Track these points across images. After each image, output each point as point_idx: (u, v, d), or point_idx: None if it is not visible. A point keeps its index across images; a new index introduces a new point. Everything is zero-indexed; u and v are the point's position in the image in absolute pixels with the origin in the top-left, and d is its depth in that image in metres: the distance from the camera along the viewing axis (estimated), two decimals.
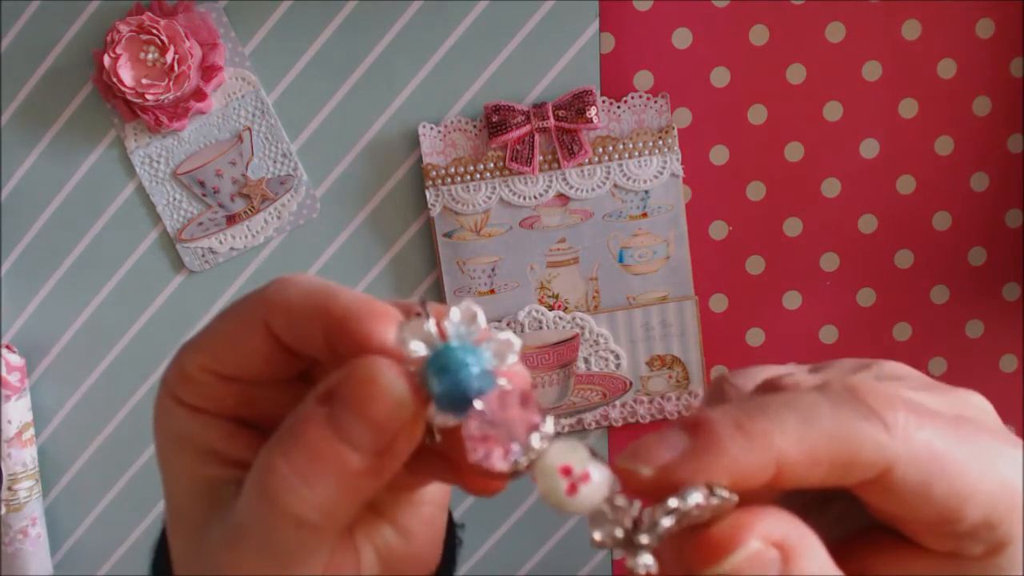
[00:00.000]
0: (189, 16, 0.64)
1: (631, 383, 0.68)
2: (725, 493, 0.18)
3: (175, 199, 0.67)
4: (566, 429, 0.69)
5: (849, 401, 0.19)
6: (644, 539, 0.18)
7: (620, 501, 0.19)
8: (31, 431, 0.69)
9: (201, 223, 0.68)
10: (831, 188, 0.67)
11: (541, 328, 0.67)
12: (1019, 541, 0.20)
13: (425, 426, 0.20)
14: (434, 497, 0.25)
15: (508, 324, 0.67)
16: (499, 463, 0.19)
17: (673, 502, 0.18)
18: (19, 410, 0.67)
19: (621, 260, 0.67)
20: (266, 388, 0.22)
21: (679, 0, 0.65)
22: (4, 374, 0.66)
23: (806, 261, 0.68)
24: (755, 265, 0.69)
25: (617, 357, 0.68)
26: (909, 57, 0.65)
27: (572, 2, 0.65)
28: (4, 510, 0.67)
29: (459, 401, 0.19)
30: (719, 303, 0.69)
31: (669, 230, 0.67)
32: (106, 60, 0.62)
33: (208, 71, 0.64)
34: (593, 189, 0.66)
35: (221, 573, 0.20)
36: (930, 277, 0.68)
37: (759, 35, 0.65)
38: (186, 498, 0.22)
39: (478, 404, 0.19)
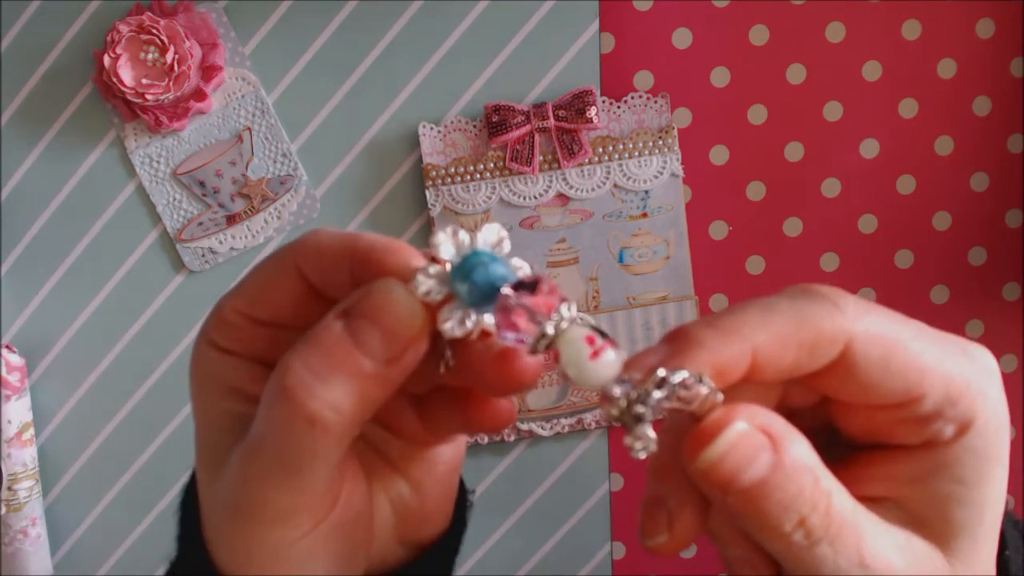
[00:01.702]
0: (189, 16, 0.64)
1: None
2: (711, 383, 0.20)
3: (175, 199, 0.67)
4: (566, 429, 0.69)
5: (803, 292, 0.22)
6: (639, 409, 0.20)
7: (625, 379, 0.20)
8: (31, 431, 0.69)
9: (201, 223, 0.68)
10: (831, 188, 0.67)
11: None
12: (983, 418, 0.22)
13: (437, 354, 0.22)
14: (447, 457, 0.27)
15: None
16: (528, 340, 0.20)
17: (662, 371, 0.20)
18: (19, 410, 0.67)
19: (621, 260, 0.67)
20: (294, 333, 0.23)
21: (679, 0, 0.65)
22: (4, 374, 0.66)
23: (806, 261, 0.68)
24: (755, 265, 0.69)
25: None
26: (909, 57, 0.65)
27: (572, 2, 0.65)
28: (4, 510, 0.67)
29: (488, 288, 0.21)
30: (719, 303, 0.69)
31: (669, 230, 0.67)
32: (106, 60, 0.62)
33: (208, 71, 0.64)
34: (593, 189, 0.66)
35: (239, 487, 0.22)
36: (930, 277, 0.68)
37: (759, 35, 0.65)
38: (214, 433, 0.24)
39: (506, 289, 0.20)
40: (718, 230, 0.68)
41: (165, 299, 0.69)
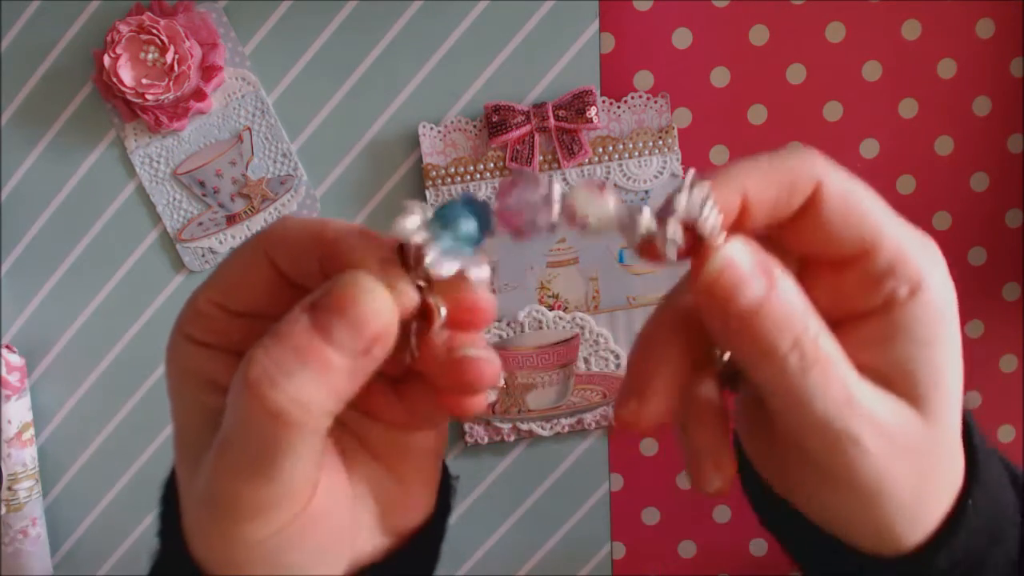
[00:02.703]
0: (189, 16, 0.64)
1: None
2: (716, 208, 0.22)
3: (175, 199, 0.67)
4: (566, 429, 0.69)
5: (777, 152, 0.24)
6: (680, 202, 0.22)
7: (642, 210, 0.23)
8: (31, 431, 0.69)
9: (201, 223, 0.68)
10: None
11: (541, 328, 0.67)
12: (932, 280, 0.24)
13: (405, 347, 0.22)
14: (428, 443, 0.27)
15: (508, 324, 0.67)
16: (542, 221, 0.22)
17: (692, 174, 0.23)
18: (19, 410, 0.67)
19: (621, 260, 0.67)
20: (270, 323, 0.22)
21: (679, 0, 0.65)
22: (4, 374, 0.66)
23: None
24: None
25: (617, 357, 0.68)
26: (909, 57, 0.65)
27: (572, 2, 0.65)
28: (4, 510, 0.67)
29: (483, 210, 0.22)
30: None
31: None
32: (106, 60, 0.62)
33: (208, 71, 0.64)
34: None
35: (212, 481, 0.22)
36: None
37: (759, 35, 0.65)
38: (192, 427, 0.24)
39: (497, 204, 0.22)
40: None
41: (165, 299, 0.69)
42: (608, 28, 0.65)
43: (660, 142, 0.65)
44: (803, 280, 0.24)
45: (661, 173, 0.66)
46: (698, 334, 0.25)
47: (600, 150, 0.65)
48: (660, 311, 0.26)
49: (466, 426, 0.69)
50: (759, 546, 0.73)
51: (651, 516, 0.73)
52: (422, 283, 0.22)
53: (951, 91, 0.66)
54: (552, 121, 0.64)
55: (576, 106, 0.64)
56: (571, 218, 0.22)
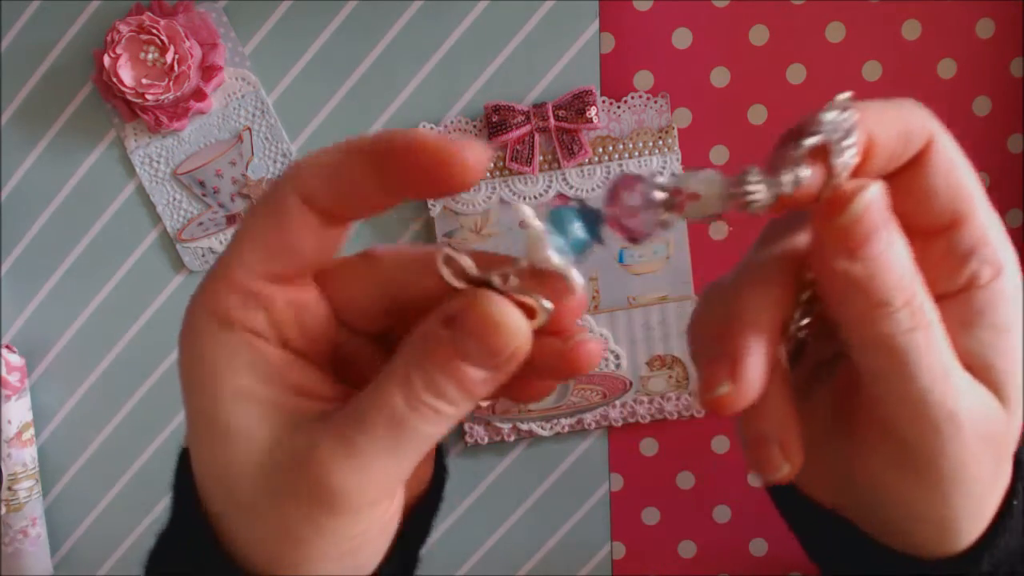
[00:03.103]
0: (189, 16, 0.64)
1: (631, 383, 0.68)
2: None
3: (175, 199, 0.67)
4: (566, 429, 0.69)
5: (896, 100, 0.23)
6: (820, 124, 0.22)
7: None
8: (31, 431, 0.69)
9: (201, 223, 0.68)
10: None
11: None
12: (1011, 265, 0.24)
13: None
14: None
15: None
16: (651, 222, 0.22)
17: (842, 97, 0.22)
18: (19, 410, 0.67)
19: (621, 260, 0.67)
20: (309, 286, 0.23)
21: (679, 0, 0.65)
22: (4, 374, 0.66)
23: None
24: None
25: (617, 357, 0.68)
26: (909, 57, 0.65)
27: (572, 2, 0.65)
28: (4, 510, 0.67)
29: (595, 219, 0.23)
30: None
31: (669, 230, 0.67)
32: (106, 60, 0.62)
33: (208, 71, 0.64)
34: (593, 189, 0.66)
35: (327, 474, 0.21)
36: None
37: (759, 35, 0.65)
38: (227, 412, 0.22)
39: (607, 211, 0.23)
40: (718, 230, 0.68)
41: (165, 299, 0.69)
42: (608, 28, 0.65)
43: (660, 142, 0.65)
44: None
45: (661, 173, 0.65)
46: (789, 295, 0.24)
47: (600, 150, 0.65)
48: (745, 272, 0.24)
49: (466, 426, 0.69)
50: (759, 546, 0.73)
51: (651, 516, 0.73)
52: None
53: (951, 91, 0.66)
54: (552, 121, 0.64)
55: (576, 106, 0.64)
56: (680, 206, 0.22)
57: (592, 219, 0.23)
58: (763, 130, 0.66)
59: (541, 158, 0.65)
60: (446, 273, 0.22)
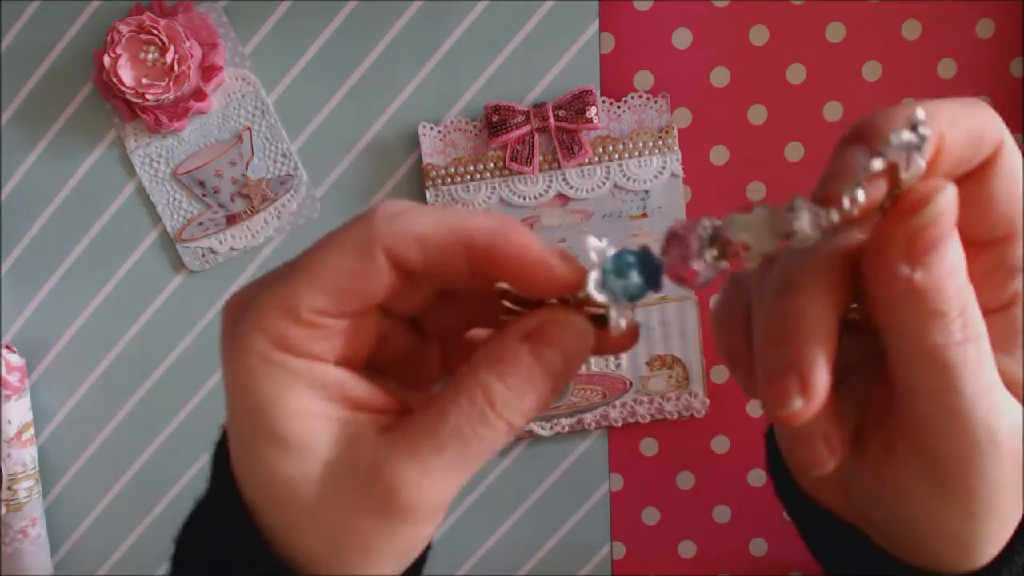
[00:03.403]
0: (189, 16, 0.64)
1: (631, 383, 0.68)
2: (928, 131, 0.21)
3: (175, 199, 0.67)
4: (566, 429, 0.69)
5: (966, 100, 0.22)
6: (896, 139, 0.20)
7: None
8: (31, 431, 0.69)
9: (201, 223, 0.68)
10: None
11: None
12: None
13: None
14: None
15: None
16: (700, 273, 0.23)
17: (920, 114, 0.21)
18: (19, 410, 0.67)
19: None
20: (373, 318, 0.24)
21: (679, 0, 0.65)
22: (4, 374, 0.66)
23: None
24: None
25: (617, 357, 0.68)
26: (909, 57, 0.65)
27: (572, 2, 0.65)
28: (4, 510, 0.67)
29: (654, 270, 0.24)
30: None
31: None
32: (106, 60, 0.62)
33: (208, 71, 0.64)
34: (593, 189, 0.66)
35: (405, 484, 0.23)
36: None
37: (759, 35, 0.65)
38: (307, 432, 0.23)
39: (664, 260, 0.23)
40: None
41: (165, 299, 0.69)
42: (608, 28, 0.65)
43: (660, 142, 0.65)
44: None
45: (661, 173, 0.66)
46: (847, 299, 0.23)
47: (600, 150, 0.65)
48: (799, 274, 0.23)
49: None
50: (759, 546, 0.73)
51: (651, 516, 0.73)
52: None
53: (951, 91, 0.66)
54: (552, 121, 0.64)
55: (576, 106, 0.64)
56: (733, 254, 0.22)
57: (652, 268, 0.23)
58: (763, 130, 0.66)
59: (541, 158, 0.65)
60: (507, 303, 0.24)
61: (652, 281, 0.24)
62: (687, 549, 0.73)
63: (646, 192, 0.66)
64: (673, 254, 0.23)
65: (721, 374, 0.69)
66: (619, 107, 0.65)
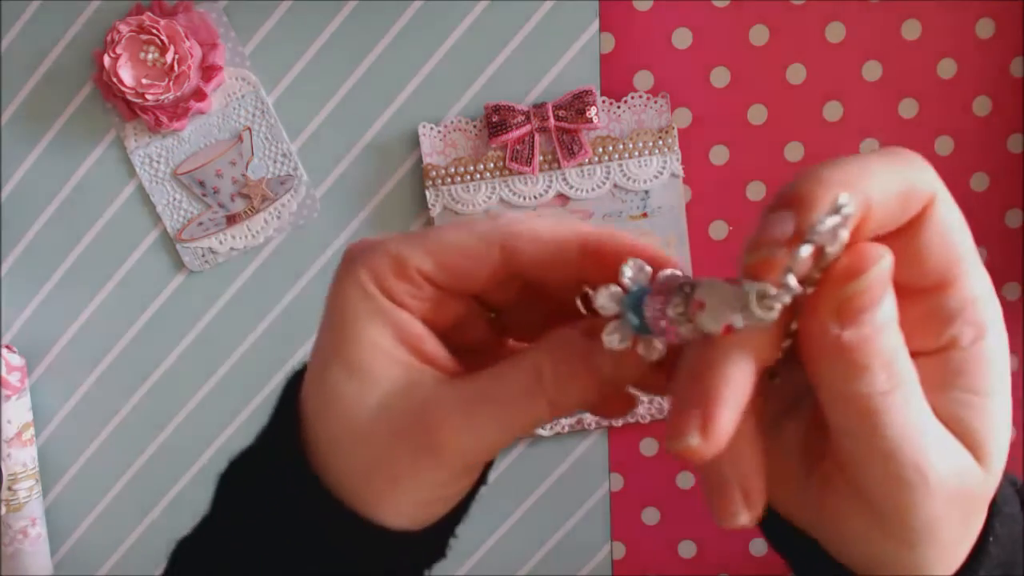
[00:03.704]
0: (189, 16, 0.64)
1: None
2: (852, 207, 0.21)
3: (175, 199, 0.67)
4: (566, 429, 0.69)
5: (891, 152, 0.23)
6: (815, 236, 0.20)
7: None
8: (31, 431, 0.69)
9: (201, 223, 0.68)
10: None
11: None
12: (995, 330, 0.23)
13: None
14: None
15: None
16: (669, 334, 0.23)
17: (844, 198, 0.20)
18: (19, 410, 0.67)
19: None
20: (465, 301, 0.27)
21: (679, 0, 0.65)
22: (4, 374, 0.66)
23: None
24: None
25: None
26: (909, 57, 0.65)
27: (572, 2, 0.65)
28: (4, 510, 0.67)
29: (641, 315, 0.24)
30: None
31: (669, 230, 0.67)
32: (106, 60, 0.62)
33: (208, 71, 0.64)
34: (593, 189, 0.66)
35: (445, 430, 0.25)
36: None
37: (759, 35, 0.65)
38: (376, 363, 0.26)
39: (647, 310, 0.23)
40: (718, 230, 0.68)
41: (165, 299, 0.69)
42: (608, 28, 0.65)
43: (660, 142, 0.65)
44: None
45: (661, 173, 0.66)
46: (776, 342, 0.23)
47: (600, 150, 0.65)
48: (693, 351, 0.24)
49: None
50: (759, 546, 0.73)
51: (651, 516, 0.73)
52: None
53: (951, 91, 0.66)
54: (552, 121, 0.64)
55: (576, 106, 0.64)
56: (691, 314, 0.22)
57: (642, 314, 0.24)
58: (763, 130, 0.66)
59: (541, 158, 0.65)
60: (585, 309, 0.25)
61: (644, 328, 0.23)
62: (687, 549, 0.73)
63: (646, 192, 0.66)
64: (650, 308, 0.23)
65: None
66: (619, 107, 0.65)
